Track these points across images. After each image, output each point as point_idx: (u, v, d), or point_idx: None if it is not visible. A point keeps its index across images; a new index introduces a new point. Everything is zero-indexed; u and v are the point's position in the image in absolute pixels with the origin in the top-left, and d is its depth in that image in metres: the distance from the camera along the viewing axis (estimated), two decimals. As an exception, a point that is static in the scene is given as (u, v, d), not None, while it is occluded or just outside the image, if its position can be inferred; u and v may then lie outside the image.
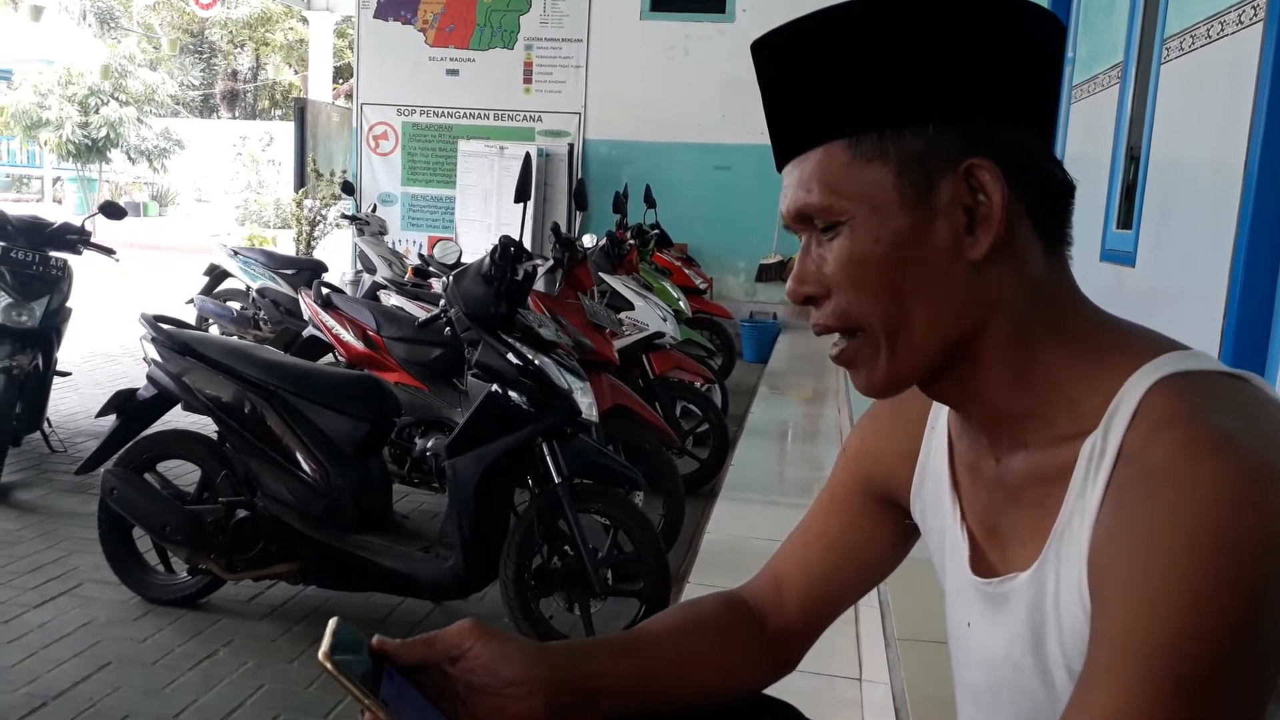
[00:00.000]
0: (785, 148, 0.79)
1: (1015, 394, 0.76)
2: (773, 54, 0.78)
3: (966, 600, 0.84)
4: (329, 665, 0.71)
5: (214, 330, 5.90)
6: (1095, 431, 0.70)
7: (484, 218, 8.44)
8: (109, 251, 4.36)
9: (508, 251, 2.80)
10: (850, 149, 0.74)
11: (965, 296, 0.74)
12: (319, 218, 9.39)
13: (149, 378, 2.99)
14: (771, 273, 8.45)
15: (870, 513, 0.98)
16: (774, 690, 1.01)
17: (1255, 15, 2.55)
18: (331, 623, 0.76)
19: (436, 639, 0.83)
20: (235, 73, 29.88)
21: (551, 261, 4.05)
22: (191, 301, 6.39)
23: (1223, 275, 2.60)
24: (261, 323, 6.01)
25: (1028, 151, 0.74)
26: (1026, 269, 0.74)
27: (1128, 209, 3.69)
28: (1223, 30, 2.76)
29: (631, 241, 5.45)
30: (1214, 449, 0.63)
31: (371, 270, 6.06)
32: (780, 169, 0.80)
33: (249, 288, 6.18)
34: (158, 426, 3.09)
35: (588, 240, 5.47)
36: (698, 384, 4.70)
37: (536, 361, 2.71)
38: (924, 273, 0.74)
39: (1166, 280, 3.19)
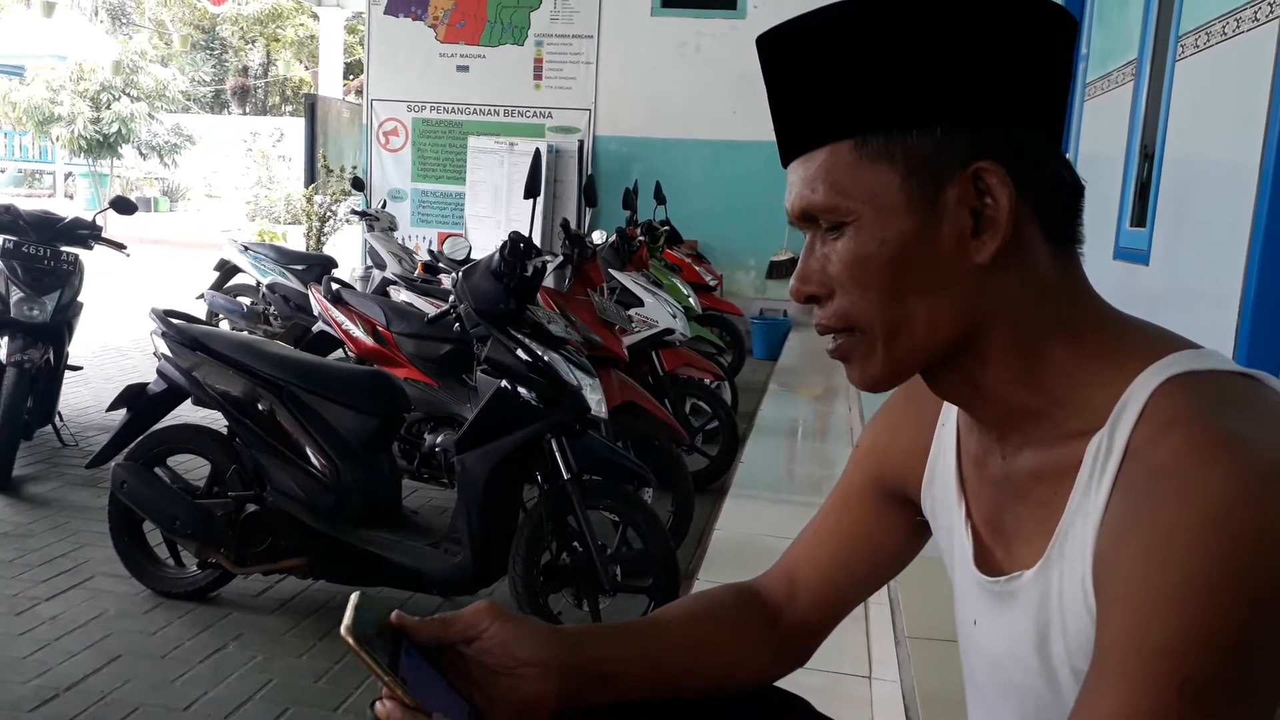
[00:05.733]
0: (790, 145, 0.78)
1: (1023, 392, 0.76)
2: (779, 50, 0.77)
3: (973, 598, 0.84)
4: (351, 640, 0.72)
5: (224, 325, 5.92)
6: (1102, 430, 0.70)
7: (494, 214, 8.43)
8: (120, 246, 4.37)
9: (517, 248, 2.80)
10: (857, 149, 0.73)
11: (970, 298, 0.74)
12: (329, 213, 9.40)
13: (159, 372, 3.00)
14: (782, 269, 8.42)
15: (882, 509, 0.98)
16: (783, 685, 1.01)
17: (1271, 12, 2.52)
18: (353, 597, 0.77)
19: (454, 619, 0.85)
20: (246, 69, 29.96)
21: (561, 258, 4.04)
22: (202, 297, 6.40)
23: (1237, 273, 2.58)
24: (271, 318, 6.03)
25: (1036, 153, 0.73)
26: (1033, 270, 0.74)
27: (1141, 206, 3.66)
28: (1238, 27, 2.74)
29: (641, 238, 5.44)
30: (1220, 449, 0.62)
31: (381, 266, 6.07)
32: (785, 165, 0.79)
33: (259, 283, 6.19)
34: (168, 421, 3.10)
35: (597, 236, 5.46)
36: (707, 381, 4.70)
37: (546, 358, 2.71)
38: (928, 275, 0.73)
39: (1180, 278, 3.17)
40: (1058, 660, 0.73)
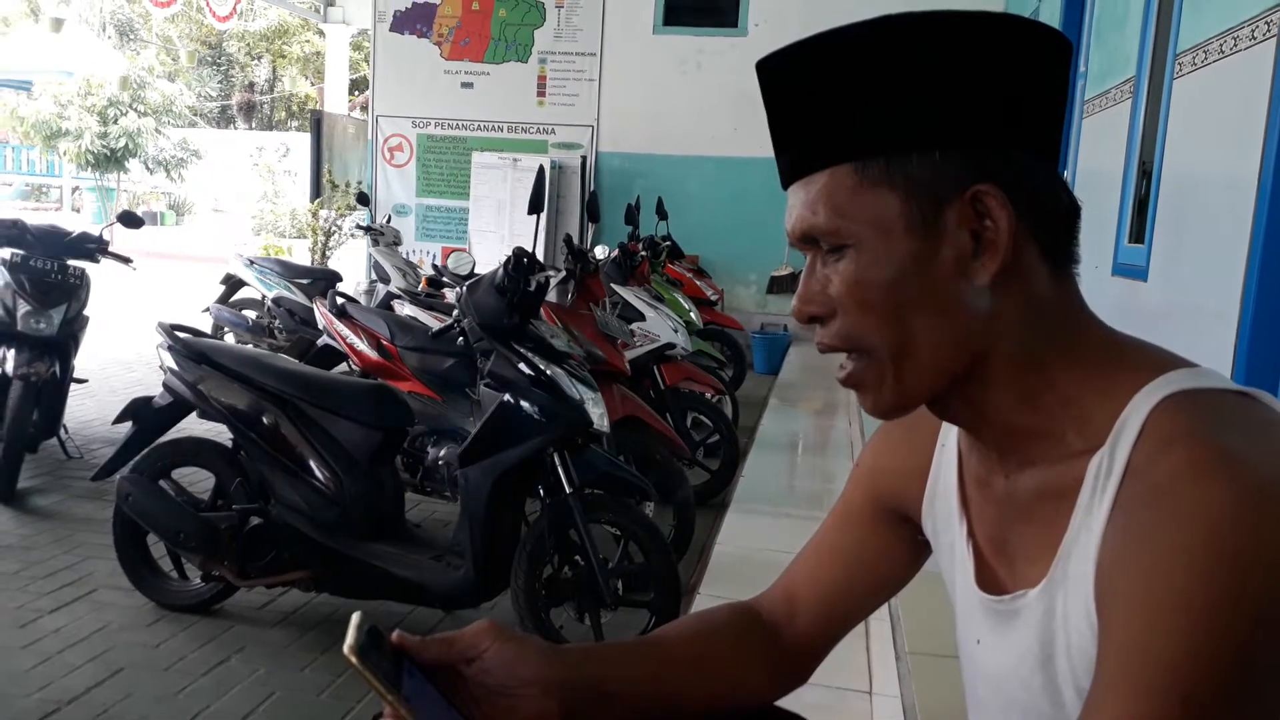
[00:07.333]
0: (791, 168, 0.79)
1: (1023, 413, 0.76)
2: (780, 74, 0.77)
3: (975, 617, 0.84)
4: (354, 659, 0.72)
5: (229, 339, 5.94)
6: (1102, 449, 0.71)
7: (497, 229, 8.46)
8: (126, 260, 4.40)
9: (521, 263, 2.82)
10: (857, 173, 0.74)
11: (970, 320, 0.74)
12: (334, 228, 9.44)
13: (165, 385, 3.02)
14: (782, 285, 8.44)
15: (883, 528, 0.98)
16: (783, 702, 1.01)
17: (1269, 31, 2.55)
18: (355, 617, 0.76)
19: (455, 639, 0.84)
20: (252, 84, 30.12)
21: (564, 273, 4.06)
22: (207, 310, 6.43)
23: (1235, 290, 2.60)
24: (276, 332, 6.05)
25: (1034, 174, 0.74)
26: (1032, 290, 0.75)
27: (1140, 223, 3.68)
28: (1235, 45, 2.76)
29: (643, 253, 5.46)
30: (1217, 467, 0.63)
31: (386, 280, 6.09)
32: (785, 187, 0.80)
33: (264, 297, 6.22)
34: (173, 434, 3.11)
35: (600, 252, 5.48)
36: (708, 395, 4.71)
37: (548, 372, 2.73)
38: (929, 297, 0.74)
39: (1179, 295, 3.18)
40: (1062, 679, 0.73)
